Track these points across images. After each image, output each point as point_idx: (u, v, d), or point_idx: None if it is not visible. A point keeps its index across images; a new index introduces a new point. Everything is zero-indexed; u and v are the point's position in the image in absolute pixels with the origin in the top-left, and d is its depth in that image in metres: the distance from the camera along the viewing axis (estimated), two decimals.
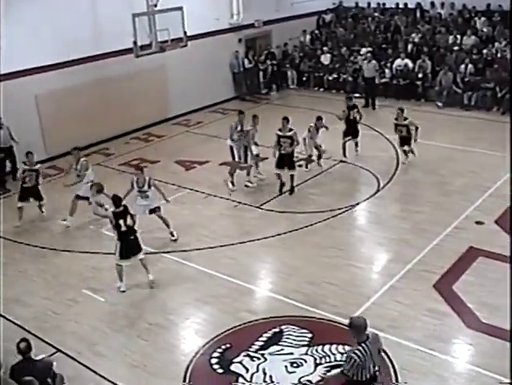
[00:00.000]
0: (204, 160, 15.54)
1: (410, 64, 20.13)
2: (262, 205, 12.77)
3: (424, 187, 13.26)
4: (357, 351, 6.13)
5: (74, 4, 15.84)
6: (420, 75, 19.82)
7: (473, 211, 11.91)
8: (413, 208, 12.12)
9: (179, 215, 12.13)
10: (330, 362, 7.90)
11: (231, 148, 13.65)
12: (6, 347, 7.33)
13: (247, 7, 20.64)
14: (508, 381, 6.97)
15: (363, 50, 21.52)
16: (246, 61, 21.49)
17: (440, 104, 19.04)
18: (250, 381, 7.73)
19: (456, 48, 20.38)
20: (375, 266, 10.49)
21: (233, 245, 11.22)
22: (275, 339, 8.43)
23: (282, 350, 8.22)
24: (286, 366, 7.81)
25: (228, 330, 8.73)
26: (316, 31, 24.60)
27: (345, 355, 6.38)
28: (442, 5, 22.92)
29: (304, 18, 23.85)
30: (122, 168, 15.42)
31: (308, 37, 24.12)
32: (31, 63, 15.16)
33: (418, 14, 23.34)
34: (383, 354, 6.73)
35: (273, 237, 11.44)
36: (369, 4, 24.92)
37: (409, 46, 21.17)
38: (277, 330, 8.62)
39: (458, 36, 20.92)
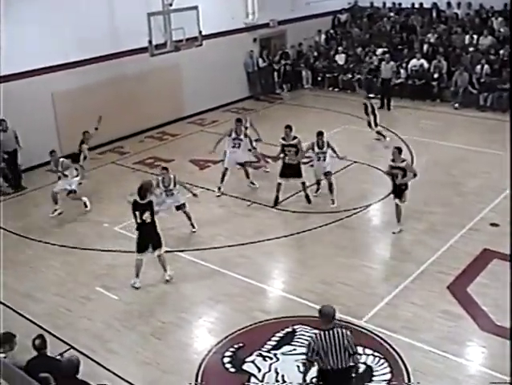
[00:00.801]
0: (218, 159, 15.53)
1: (426, 64, 20.03)
2: (275, 205, 12.76)
3: (438, 188, 13.17)
4: (315, 336, 6.30)
5: (90, 3, 15.94)
6: (435, 76, 19.71)
7: (488, 212, 11.82)
8: (428, 209, 12.06)
9: (192, 214, 12.13)
10: None
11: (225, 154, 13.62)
12: (23, 344, 7.37)
13: (262, 7, 20.63)
14: None
15: (379, 51, 21.46)
16: (261, 60, 21.50)
17: (456, 105, 18.91)
18: (262, 380, 7.73)
19: (471, 49, 20.25)
20: (388, 267, 10.46)
21: (246, 244, 11.23)
22: (288, 339, 8.42)
23: (294, 350, 8.20)
24: (298, 366, 7.78)
25: (241, 329, 8.74)
26: (331, 31, 24.55)
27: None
28: (459, 5, 22.76)
29: (319, 18, 23.82)
30: (136, 166, 15.49)
31: (323, 37, 24.09)
32: (48, 62, 15.27)
33: (434, 14, 23.20)
34: (358, 357, 6.51)
35: (286, 236, 11.44)
36: (384, 4, 24.81)
37: (425, 47, 21.08)
38: (289, 329, 8.61)
39: (475, 36, 20.79)
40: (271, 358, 8.09)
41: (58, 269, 10.87)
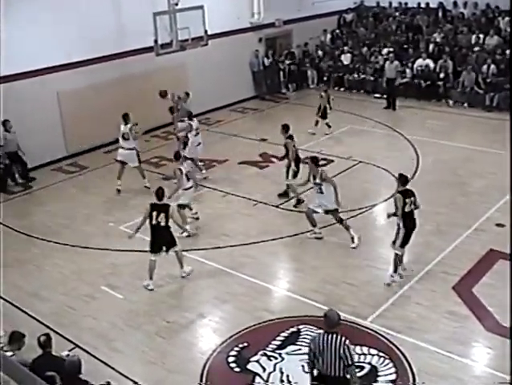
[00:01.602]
0: (223, 158, 15.56)
1: (431, 64, 19.97)
2: (280, 205, 12.76)
3: (444, 188, 13.14)
4: (316, 335, 6.41)
5: (97, 3, 15.99)
6: (441, 75, 19.66)
7: (493, 213, 11.79)
8: (433, 209, 12.01)
9: (198, 213, 12.15)
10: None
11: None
12: (27, 343, 7.40)
13: (268, 6, 20.61)
14: None
15: (385, 51, 21.42)
16: (266, 60, 21.49)
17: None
18: (267, 380, 7.73)
19: (477, 48, 20.18)
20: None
21: (251, 244, 11.23)
22: (293, 339, 8.42)
23: (299, 349, 8.20)
24: (303, 366, 7.77)
25: (245, 328, 8.74)
26: (337, 31, 24.53)
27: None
28: (465, 4, 22.69)
29: (325, 18, 23.78)
30: (142, 165, 15.46)
31: (329, 36, 24.07)
32: (53, 61, 15.30)
33: (440, 14, 23.14)
34: (355, 371, 6.37)
35: (291, 236, 11.43)
36: (390, 3, 24.75)
37: (431, 46, 21.02)
38: (294, 329, 8.61)
39: (481, 36, 20.72)
40: (276, 358, 8.09)
41: (63, 267, 10.89)
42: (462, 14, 22.53)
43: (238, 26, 20.19)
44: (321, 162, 13.89)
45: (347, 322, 8.65)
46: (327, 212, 10.91)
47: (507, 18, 20.88)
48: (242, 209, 12.77)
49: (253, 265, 10.51)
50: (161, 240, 9.81)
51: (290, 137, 12.56)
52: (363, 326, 8.59)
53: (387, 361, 7.89)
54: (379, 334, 8.43)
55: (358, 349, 7.98)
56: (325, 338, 6.20)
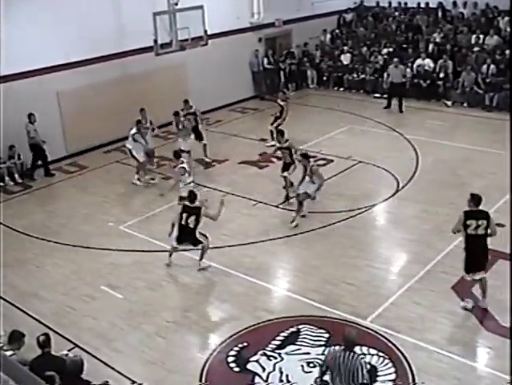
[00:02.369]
0: (223, 158, 15.56)
1: (431, 64, 19.96)
2: (280, 204, 12.76)
3: (443, 188, 13.13)
4: (332, 349, 6.48)
5: (96, 3, 15.97)
6: (441, 75, 19.65)
7: (493, 213, 11.72)
8: (433, 210, 12.02)
9: None
10: None
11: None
12: (27, 342, 7.40)
13: (268, 6, 20.60)
14: None
15: (384, 51, 21.40)
16: (266, 60, 21.49)
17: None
18: (267, 380, 7.73)
19: (476, 48, 20.18)
20: (393, 267, 10.43)
21: (251, 243, 11.23)
22: (292, 339, 8.42)
23: (298, 349, 8.20)
24: (302, 366, 7.79)
25: (245, 328, 8.74)
26: (337, 31, 24.52)
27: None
28: (465, 4, 22.68)
29: (325, 18, 23.78)
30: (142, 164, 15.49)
31: (328, 36, 24.06)
32: (53, 61, 15.30)
33: (440, 14, 23.13)
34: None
35: (291, 236, 11.43)
36: (390, 3, 24.74)
37: (430, 46, 21.01)
38: (294, 329, 8.61)
39: (481, 36, 20.71)
40: (275, 358, 8.08)
41: (63, 267, 10.89)
42: (462, 14, 22.53)
43: (238, 26, 20.19)
44: (321, 162, 14.00)
45: (346, 321, 8.68)
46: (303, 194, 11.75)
47: (507, 18, 20.87)
48: (242, 209, 12.76)
49: (253, 264, 10.50)
50: (184, 237, 10.18)
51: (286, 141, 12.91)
52: (362, 326, 8.59)
53: (386, 361, 7.89)
54: (379, 334, 8.42)
55: (358, 349, 7.97)
56: (341, 354, 6.22)
